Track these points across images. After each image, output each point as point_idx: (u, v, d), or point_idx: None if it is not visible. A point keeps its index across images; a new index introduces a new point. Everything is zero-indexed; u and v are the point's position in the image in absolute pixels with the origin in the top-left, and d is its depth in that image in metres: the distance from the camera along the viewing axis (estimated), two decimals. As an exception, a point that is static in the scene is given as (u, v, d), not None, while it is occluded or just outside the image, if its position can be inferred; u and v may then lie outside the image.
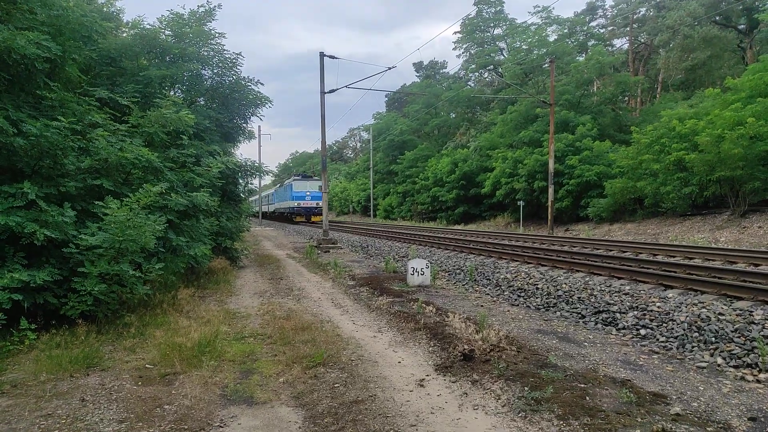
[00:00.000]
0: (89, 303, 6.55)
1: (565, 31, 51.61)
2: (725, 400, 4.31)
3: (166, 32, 12.20)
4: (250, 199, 44.16)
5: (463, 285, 10.74)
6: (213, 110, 14.50)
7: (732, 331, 5.86)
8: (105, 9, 11.56)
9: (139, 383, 5.00)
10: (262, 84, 15.22)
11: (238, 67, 14.73)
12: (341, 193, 72.29)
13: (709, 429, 3.71)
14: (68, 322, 6.63)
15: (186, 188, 9.20)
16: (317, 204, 40.39)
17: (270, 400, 4.56)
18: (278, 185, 54.61)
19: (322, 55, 21.94)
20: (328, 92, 22.41)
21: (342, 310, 8.49)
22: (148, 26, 11.74)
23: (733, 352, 5.46)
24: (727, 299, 7.14)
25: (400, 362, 5.61)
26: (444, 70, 77.72)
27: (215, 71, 14.79)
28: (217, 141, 13.61)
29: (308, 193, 42.75)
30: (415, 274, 10.45)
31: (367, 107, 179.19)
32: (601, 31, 54.01)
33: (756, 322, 5.99)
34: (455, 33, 57.91)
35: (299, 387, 4.88)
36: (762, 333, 5.64)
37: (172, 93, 13.16)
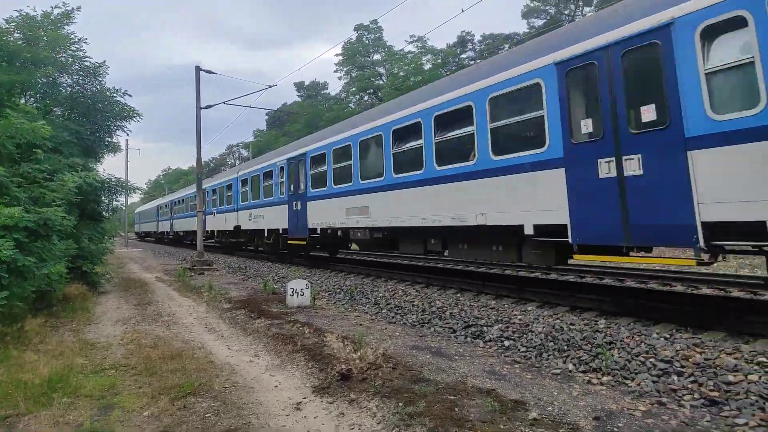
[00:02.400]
0: None
1: (439, 60, 54.91)
2: (575, 402, 4.78)
3: (15, 34, 11.01)
4: (143, 209, 33.46)
5: (343, 304, 10.81)
6: (73, 121, 13.30)
7: (581, 339, 6.52)
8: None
9: (-28, 430, 4.37)
10: (129, 95, 14.29)
11: (103, 77, 13.69)
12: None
13: (560, 430, 4.10)
14: None
15: (35, 204, 8.28)
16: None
17: (132, 437, 4.23)
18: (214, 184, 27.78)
19: (198, 69, 21.14)
20: (204, 108, 21.59)
21: (216, 335, 8.12)
22: (-7, 27, 10.54)
23: (581, 358, 6.07)
24: (577, 311, 7.96)
25: (277, 386, 5.49)
26: (325, 91, 78.43)
27: (75, 79, 13.62)
28: (76, 155, 12.48)
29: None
30: (295, 294, 10.31)
31: (247, 124, 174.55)
32: (470, 62, 58.12)
33: (600, 330, 6.73)
34: (337, 55, 58.90)
35: (166, 420, 4.58)
36: (605, 340, 6.35)
37: (23, 101, 11.86)
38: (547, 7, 53.95)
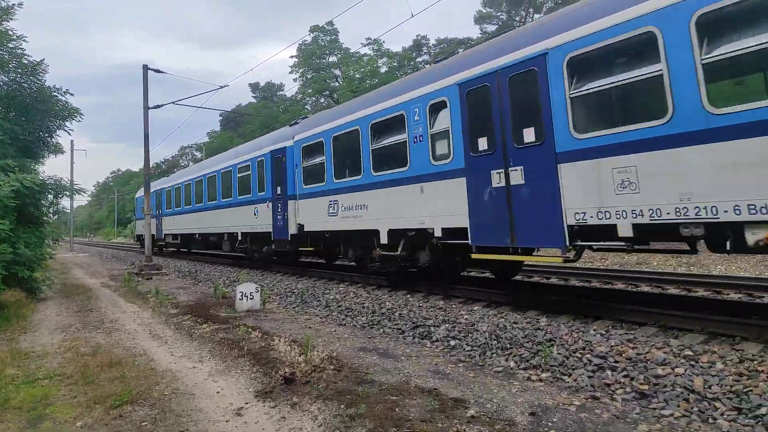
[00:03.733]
0: None
1: (395, 64, 55.24)
2: (513, 399, 4.90)
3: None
4: (167, 185, 25.39)
5: (294, 307, 10.73)
6: (9, 121, 12.70)
7: (523, 338, 6.70)
8: None
9: None
10: (71, 94, 13.77)
11: (42, 75, 13.15)
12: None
13: (497, 427, 4.20)
14: None
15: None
16: None
17: (61, 449, 4.07)
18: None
19: (145, 68, 20.57)
20: (153, 107, 21.00)
21: (160, 342, 7.91)
22: None
23: (523, 355, 6.24)
24: (520, 309, 8.17)
25: (219, 392, 5.40)
26: (281, 93, 77.61)
27: (12, 77, 13.03)
28: (12, 155, 11.93)
29: None
30: (244, 298, 10.16)
31: (201, 125, 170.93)
32: (426, 66, 58.68)
33: (541, 328, 6.93)
34: (292, 57, 58.37)
35: (100, 430, 4.44)
36: (545, 337, 6.54)
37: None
38: (499, 14, 55.19)
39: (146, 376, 5.95)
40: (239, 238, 18.06)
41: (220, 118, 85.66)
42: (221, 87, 22.66)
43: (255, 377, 5.83)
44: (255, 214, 16.49)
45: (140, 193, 29.72)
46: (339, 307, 10.09)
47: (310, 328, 8.48)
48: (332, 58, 58.54)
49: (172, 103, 22.79)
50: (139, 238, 31.03)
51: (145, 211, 20.42)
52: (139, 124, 20.22)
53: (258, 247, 17.01)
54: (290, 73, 60.78)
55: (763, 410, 4.19)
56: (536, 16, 48.38)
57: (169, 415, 4.72)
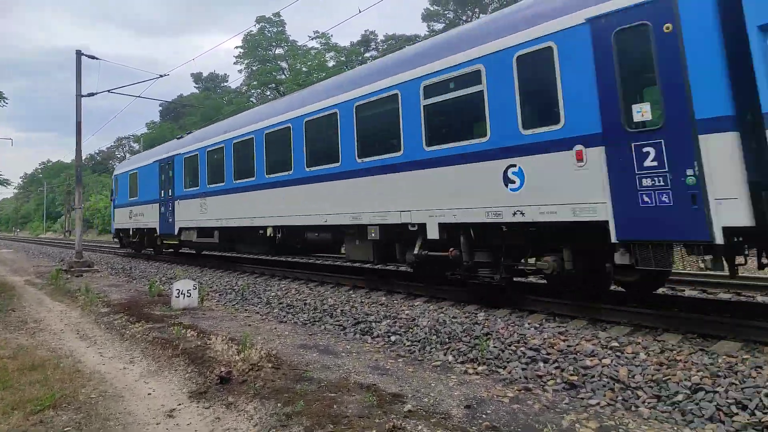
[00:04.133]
0: None
1: (343, 58, 54.99)
2: (450, 392, 4.99)
3: None
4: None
5: (233, 305, 10.49)
6: None
7: (461, 332, 6.83)
8: None
9: None
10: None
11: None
12: (105, 210, 64.41)
13: (432, 420, 4.26)
14: None
15: None
16: None
17: (-28, 460, 3.81)
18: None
19: (79, 53, 19.51)
20: (86, 95, 19.96)
21: (88, 342, 7.54)
22: None
23: (461, 349, 6.36)
24: (460, 304, 8.33)
25: (150, 394, 5.20)
26: (225, 84, 75.65)
27: None
28: None
29: None
30: (181, 296, 9.83)
31: (139, 115, 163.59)
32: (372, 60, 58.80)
33: (479, 322, 7.09)
34: (237, 47, 56.94)
35: (17, 438, 4.17)
36: (482, 331, 6.69)
37: None
38: (446, 12, 55.98)
39: (72, 378, 5.65)
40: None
41: (160, 108, 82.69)
42: (161, 76, 21.83)
43: (189, 377, 5.66)
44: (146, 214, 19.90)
45: (124, 168, 23.51)
46: (280, 304, 9.95)
47: (249, 325, 8.31)
48: (279, 51, 57.57)
49: (108, 91, 21.72)
50: (118, 234, 23.85)
51: (77, 204, 19.41)
52: (73, 112, 19.15)
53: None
54: (235, 63, 59.33)
55: (680, 397, 4.46)
56: (482, 15, 49.33)
57: (95, 419, 4.51)
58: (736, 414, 4.10)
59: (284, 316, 9.09)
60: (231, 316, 9.15)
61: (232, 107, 52.29)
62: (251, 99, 61.08)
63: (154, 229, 18.83)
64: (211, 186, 14.79)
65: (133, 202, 21.10)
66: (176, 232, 17.03)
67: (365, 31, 58.92)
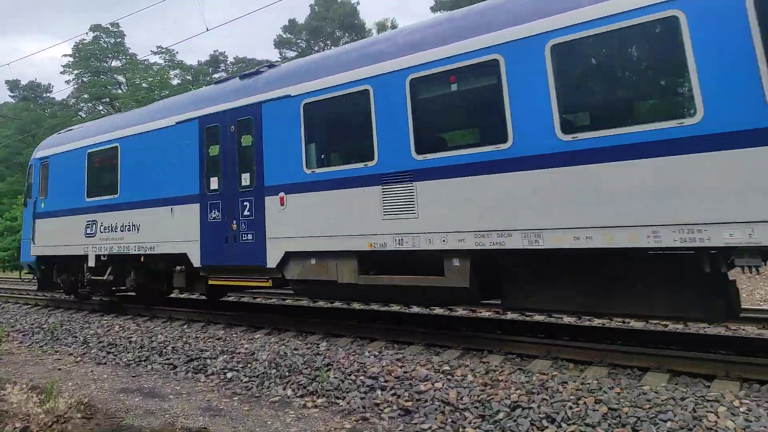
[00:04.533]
0: None
1: (189, 77, 52.33)
2: (287, 429, 4.80)
3: None
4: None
5: (41, 346, 9.09)
6: None
7: (302, 364, 6.67)
8: None
9: None
10: None
11: None
12: None
13: (266, 461, 4.04)
14: None
15: None
16: None
17: None
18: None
19: None
20: None
21: None
22: None
23: (301, 382, 6.19)
24: (303, 335, 8.18)
25: None
26: (49, 94, 67.21)
27: None
28: None
29: None
30: (-29, 339, 8.19)
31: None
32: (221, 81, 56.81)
33: (321, 353, 6.99)
34: (65, 56, 51.13)
35: None
36: (323, 362, 6.60)
37: None
38: (299, 41, 56.50)
39: None
40: None
41: (-40, 118, 70.52)
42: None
43: (-29, 438, 4.71)
44: None
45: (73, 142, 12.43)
46: (100, 343, 8.85)
47: (59, 369, 7.27)
48: (116, 63, 52.92)
49: None
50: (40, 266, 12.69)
51: None
52: None
53: None
54: (62, 73, 53.07)
55: (500, 415, 4.80)
56: (332, 46, 50.67)
57: None
58: (546, 428, 4.52)
59: (104, 357, 8.10)
60: (36, 360, 7.92)
61: (56, 120, 46.53)
62: (80, 113, 55.03)
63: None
64: None
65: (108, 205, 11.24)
66: None
67: (215, 51, 56.95)
